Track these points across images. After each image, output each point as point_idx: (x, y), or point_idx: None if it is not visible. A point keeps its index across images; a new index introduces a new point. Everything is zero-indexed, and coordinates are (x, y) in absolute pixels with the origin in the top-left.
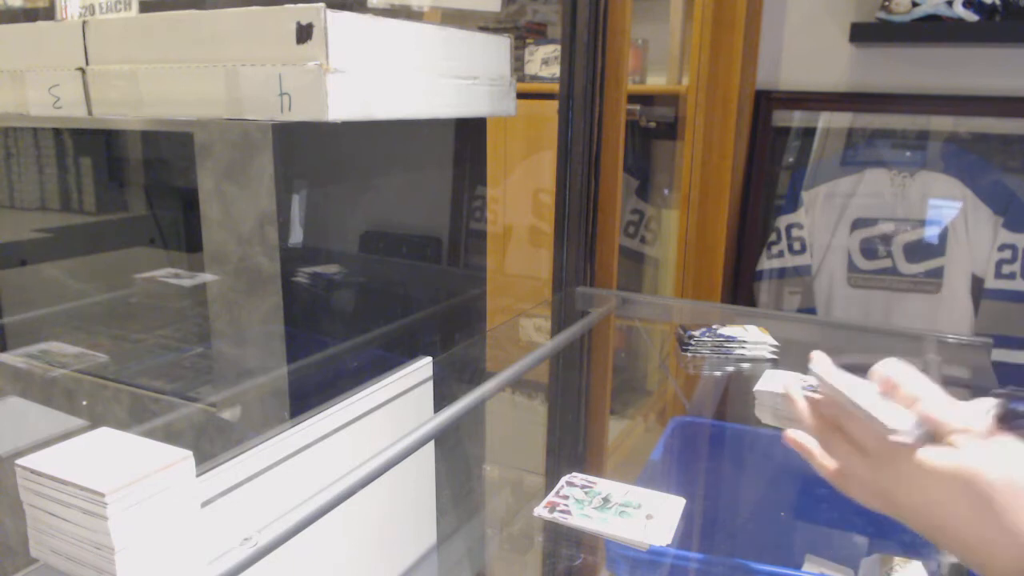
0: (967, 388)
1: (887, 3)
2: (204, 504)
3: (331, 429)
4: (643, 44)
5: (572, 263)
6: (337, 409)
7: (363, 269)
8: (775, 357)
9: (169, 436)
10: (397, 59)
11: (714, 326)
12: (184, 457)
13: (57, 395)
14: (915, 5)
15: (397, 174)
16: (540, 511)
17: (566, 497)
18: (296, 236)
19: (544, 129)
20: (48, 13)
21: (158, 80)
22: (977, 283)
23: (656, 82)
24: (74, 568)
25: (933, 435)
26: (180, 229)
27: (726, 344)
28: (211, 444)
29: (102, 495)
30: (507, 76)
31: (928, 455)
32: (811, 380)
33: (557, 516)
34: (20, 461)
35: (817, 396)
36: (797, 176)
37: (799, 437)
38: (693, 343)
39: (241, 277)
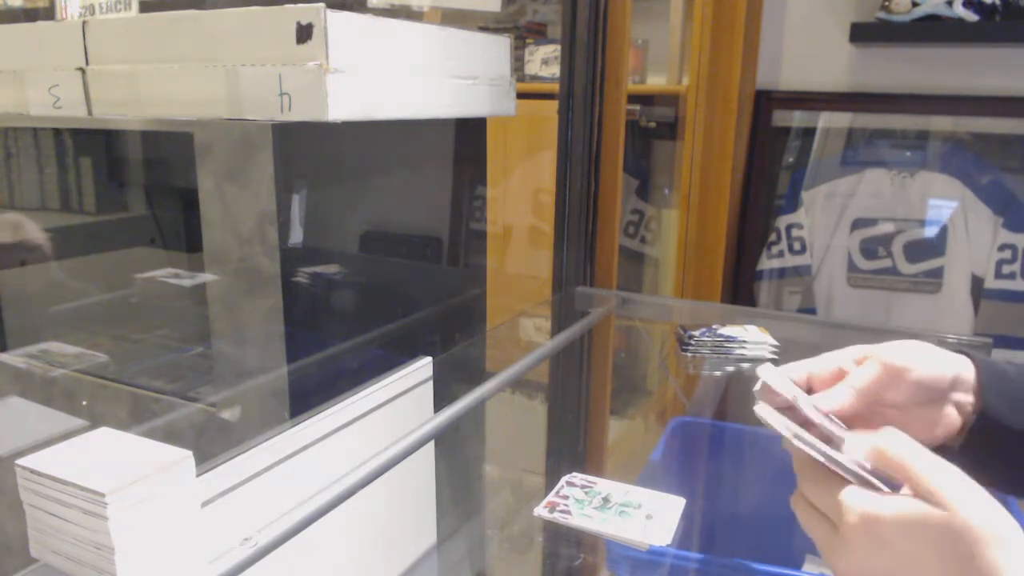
0: None
1: (887, 3)
2: (204, 504)
3: (331, 429)
4: (643, 44)
5: (572, 263)
6: (337, 409)
7: (363, 269)
8: (775, 357)
9: (169, 436)
10: (397, 59)
11: (714, 326)
12: (184, 457)
13: (57, 395)
14: (915, 5)
15: (397, 174)
16: (540, 511)
17: (566, 497)
18: (296, 236)
19: (544, 129)
20: (48, 13)
21: (158, 80)
22: (977, 283)
23: (656, 82)
24: (74, 568)
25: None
26: (180, 229)
27: (726, 344)
28: (211, 444)
29: (102, 495)
30: (507, 76)
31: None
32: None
33: (557, 516)
34: (20, 461)
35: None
36: (797, 176)
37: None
38: (693, 343)
39: (241, 277)
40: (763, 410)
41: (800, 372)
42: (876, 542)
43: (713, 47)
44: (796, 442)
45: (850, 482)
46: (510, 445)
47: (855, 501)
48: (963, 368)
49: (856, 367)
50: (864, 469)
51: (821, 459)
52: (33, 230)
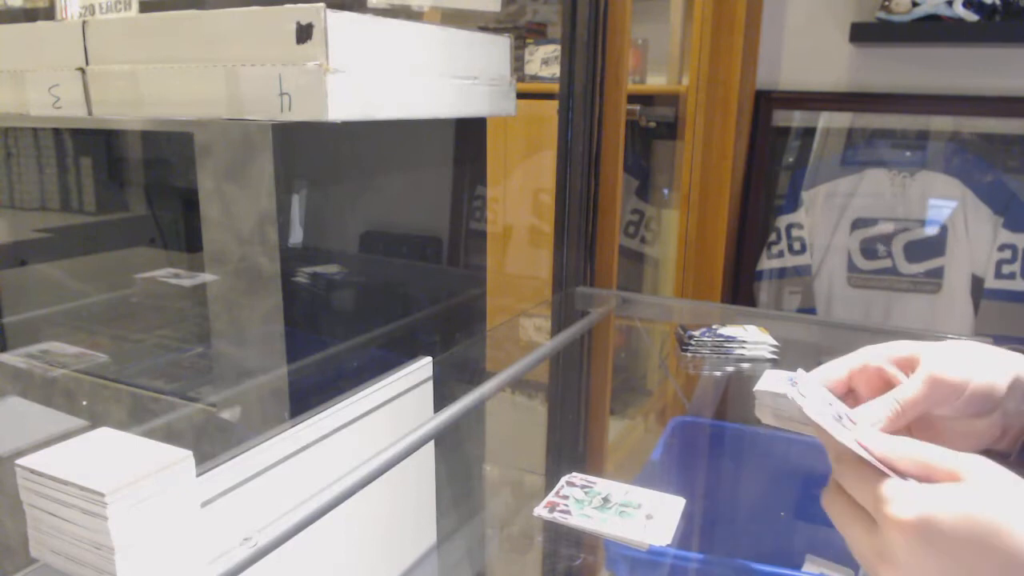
0: None
1: (887, 3)
2: (204, 504)
3: (331, 429)
4: (643, 44)
5: (572, 263)
6: (337, 409)
7: (363, 269)
8: (775, 357)
9: (169, 436)
10: (397, 59)
11: (714, 326)
12: (184, 457)
13: (57, 395)
14: (915, 5)
15: (397, 174)
16: (540, 511)
17: (566, 497)
18: (296, 236)
19: (544, 129)
20: (48, 13)
21: (158, 80)
22: (977, 283)
23: (656, 82)
24: (74, 568)
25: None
26: (180, 229)
27: (726, 344)
28: (211, 444)
29: (102, 495)
30: (507, 76)
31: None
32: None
33: (557, 516)
34: (20, 461)
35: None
36: (797, 176)
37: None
38: (693, 343)
39: (241, 277)
40: (798, 399)
41: (840, 371)
42: (932, 549)
43: (713, 47)
44: (837, 432)
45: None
46: (510, 445)
47: (909, 496)
48: (1021, 370)
49: (900, 372)
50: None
51: (863, 452)
52: None
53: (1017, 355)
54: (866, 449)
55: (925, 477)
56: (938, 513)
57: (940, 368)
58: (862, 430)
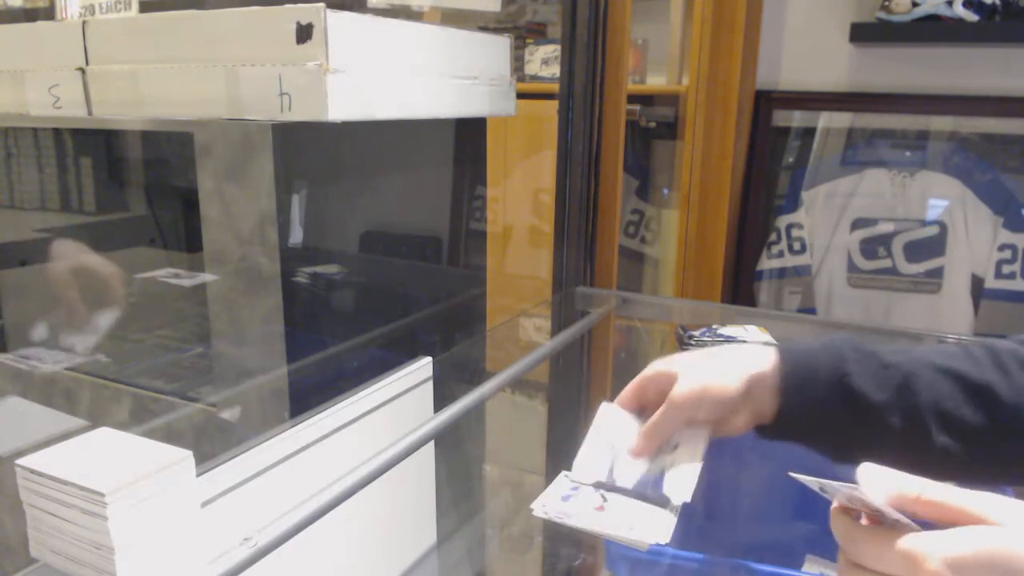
0: None
1: (887, 3)
2: (204, 504)
3: (331, 429)
4: (643, 44)
5: (572, 263)
6: (337, 409)
7: (363, 269)
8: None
9: (169, 436)
10: (397, 59)
11: (714, 326)
12: (184, 457)
13: (57, 395)
14: (915, 5)
15: (397, 174)
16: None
17: None
18: (296, 236)
19: (544, 129)
20: (48, 13)
21: (158, 80)
22: (977, 283)
23: (656, 82)
24: (74, 568)
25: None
26: (180, 229)
27: (726, 344)
28: (211, 444)
29: (102, 495)
30: (507, 76)
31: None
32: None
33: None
34: (20, 461)
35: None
36: (797, 176)
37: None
38: (693, 343)
39: (241, 277)
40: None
41: (628, 396)
42: None
43: (713, 47)
44: (828, 493)
45: (902, 531)
46: (510, 445)
47: (932, 546)
48: (762, 367)
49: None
50: (898, 512)
51: (881, 507)
52: (98, 265)
53: (766, 352)
54: (885, 503)
55: (952, 523)
56: (966, 554)
57: (675, 393)
58: (886, 486)
